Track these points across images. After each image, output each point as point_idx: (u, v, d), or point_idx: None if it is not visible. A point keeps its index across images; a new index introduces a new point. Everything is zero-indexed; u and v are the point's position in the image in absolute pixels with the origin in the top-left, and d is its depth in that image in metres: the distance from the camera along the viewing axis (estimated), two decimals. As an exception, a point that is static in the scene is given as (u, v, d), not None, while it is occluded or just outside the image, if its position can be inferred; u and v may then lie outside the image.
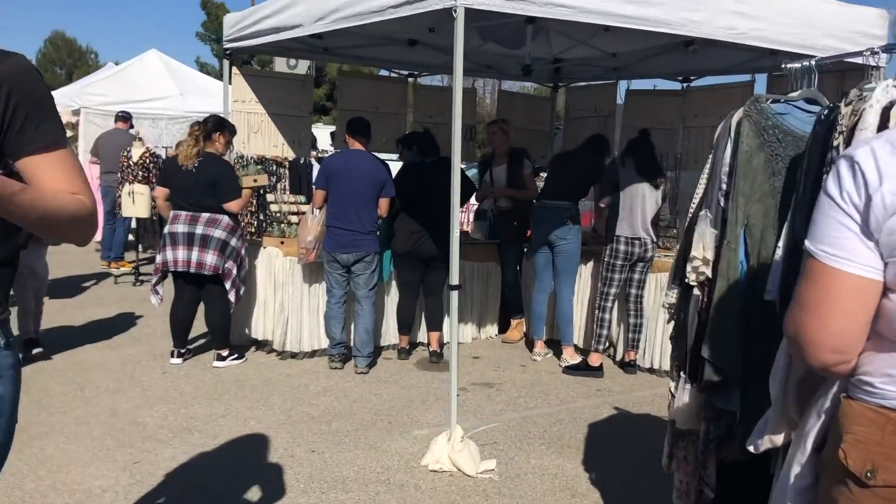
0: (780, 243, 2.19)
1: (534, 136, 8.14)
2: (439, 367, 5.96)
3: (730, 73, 6.72)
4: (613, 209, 5.80)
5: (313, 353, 6.10)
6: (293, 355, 6.03)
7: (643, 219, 5.76)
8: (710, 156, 2.61)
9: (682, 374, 2.60)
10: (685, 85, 7.16)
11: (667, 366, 5.84)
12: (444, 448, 3.97)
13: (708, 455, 2.48)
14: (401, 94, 7.53)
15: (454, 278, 3.98)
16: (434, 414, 4.88)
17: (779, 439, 1.82)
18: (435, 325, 6.16)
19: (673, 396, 2.68)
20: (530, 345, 6.66)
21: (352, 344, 5.84)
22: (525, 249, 6.89)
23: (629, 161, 5.80)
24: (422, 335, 6.47)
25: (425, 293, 6.18)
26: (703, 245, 2.38)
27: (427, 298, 6.18)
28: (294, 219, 6.46)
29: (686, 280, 2.49)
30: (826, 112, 2.13)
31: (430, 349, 6.12)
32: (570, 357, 6.11)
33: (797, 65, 2.58)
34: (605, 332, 5.89)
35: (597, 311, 5.92)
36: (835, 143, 2.02)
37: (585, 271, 6.46)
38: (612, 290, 5.86)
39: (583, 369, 5.90)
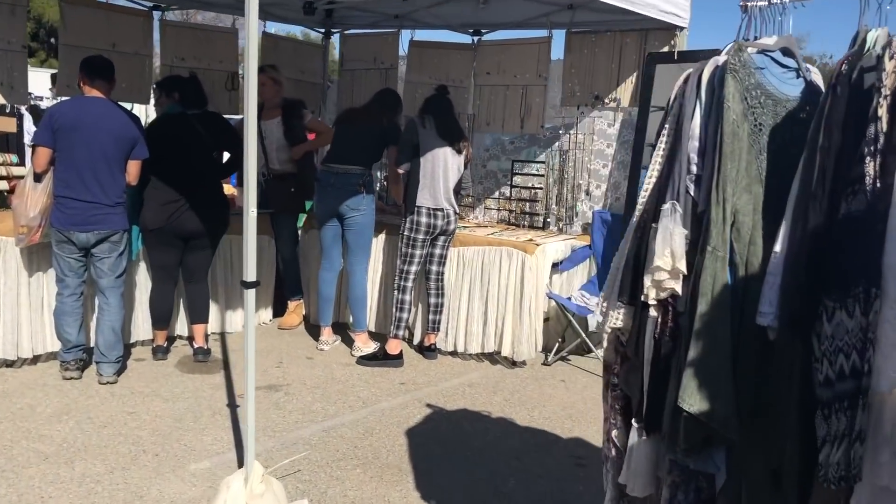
0: (777, 247, 1.58)
1: (303, 88, 7.11)
2: (208, 367, 4.90)
3: (524, 27, 6.23)
4: (413, 176, 5.07)
5: (36, 360, 4.74)
6: (8, 364, 4.62)
7: (446, 187, 5.10)
8: (666, 125, 1.92)
9: (634, 422, 1.93)
10: (476, 39, 6.57)
11: (472, 348, 5.30)
12: (240, 495, 3.03)
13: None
14: (144, 31, 6.13)
15: (250, 273, 3.00)
16: (213, 436, 3.87)
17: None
18: (199, 315, 5.05)
19: (615, 448, 2.02)
20: (312, 330, 5.80)
21: (94, 346, 4.57)
22: (304, 219, 5.98)
23: (429, 121, 5.09)
24: (181, 327, 5.34)
25: (185, 278, 5.04)
26: (672, 251, 1.72)
27: (188, 284, 5.04)
28: (4, 185, 4.95)
29: (643, 297, 1.81)
30: (847, 67, 1.52)
31: (195, 345, 5.02)
32: (364, 345, 5.34)
33: (763, 1, 1.96)
34: (405, 315, 5.18)
35: (395, 292, 5.19)
36: (879, 111, 1.42)
37: (380, 247, 5.69)
38: (413, 268, 5.16)
39: (380, 359, 5.16)
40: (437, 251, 5.27)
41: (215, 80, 6.48)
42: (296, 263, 5.94)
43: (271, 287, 6.02)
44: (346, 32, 7.31)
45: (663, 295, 1.76)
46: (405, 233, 5.13)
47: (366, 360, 5.18)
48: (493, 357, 5.33)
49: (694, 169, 1.75)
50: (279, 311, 6.07)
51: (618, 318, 2.01)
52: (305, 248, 6.02)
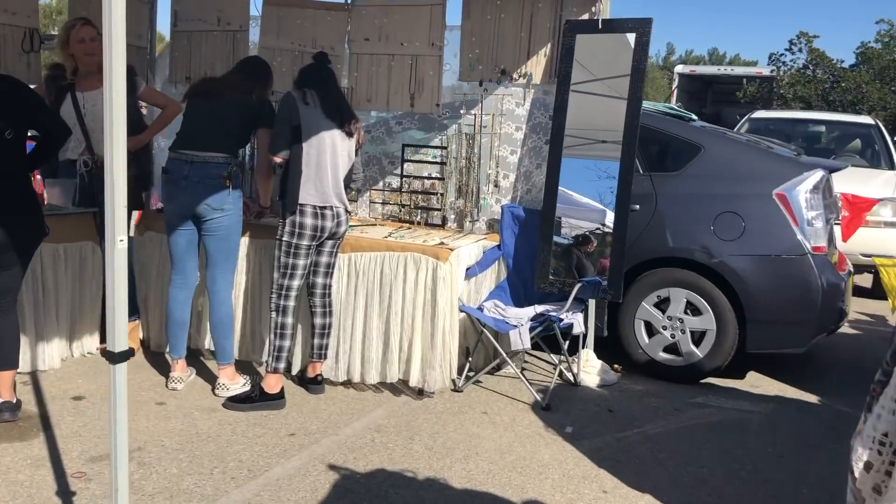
0: None
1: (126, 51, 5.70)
2: (21, 430, 3.58)
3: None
4: (294, 166, 3.98)
5: None
6: None
7: (335, 179, 4.06)
8: None
9: None
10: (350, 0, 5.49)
11: (370, 377, 4.32)
12: None
13: None
14: None
15: (118, 339, 1.87)
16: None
17: None
18: (4, 359, 3.69)
19: None
20: (155, 360, 4.56)
21: None
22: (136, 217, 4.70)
23: (312, 97, 4.01)
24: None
25: (-18, 304, 3.66)
26: None
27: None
28: None
29: None
30: None
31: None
32: (231, 381, 4.20)
33: None
34: (286, 343, 4.09)
35: (272, 315, 4.08)
36: None
37: (249, 255, 4.54)
38: (296, 282, 4.08)
39: (256, 400, 4.04)
40: (324, 259, 4.22)
41: (7, 38, 4.97)
42: (130, 275, 4.63)
43: (98, 306, 4.67)
44: (179, -15, 5.93)
45: None
46: (285, 238, 4.03)
47: (237, 402, 4.05)
48: (395, 387, 4.38)
49: None
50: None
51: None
52: (141, 255, 4.73)
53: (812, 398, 4.67)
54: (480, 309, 4.54)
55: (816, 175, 4.70)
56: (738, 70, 19.16)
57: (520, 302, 4.73)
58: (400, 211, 5.11)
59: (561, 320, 4.27)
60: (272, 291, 4.09)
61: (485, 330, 4.43)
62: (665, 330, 4.80)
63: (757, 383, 4.91)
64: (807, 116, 10.42)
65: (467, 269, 4.44)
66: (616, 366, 4.93)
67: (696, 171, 4.84)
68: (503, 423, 4.02)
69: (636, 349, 4.88)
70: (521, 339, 4.18)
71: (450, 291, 4.18)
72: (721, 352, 4.69)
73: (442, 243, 4.33)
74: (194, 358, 4.65)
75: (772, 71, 21.52)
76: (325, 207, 4.04)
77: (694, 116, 5.44)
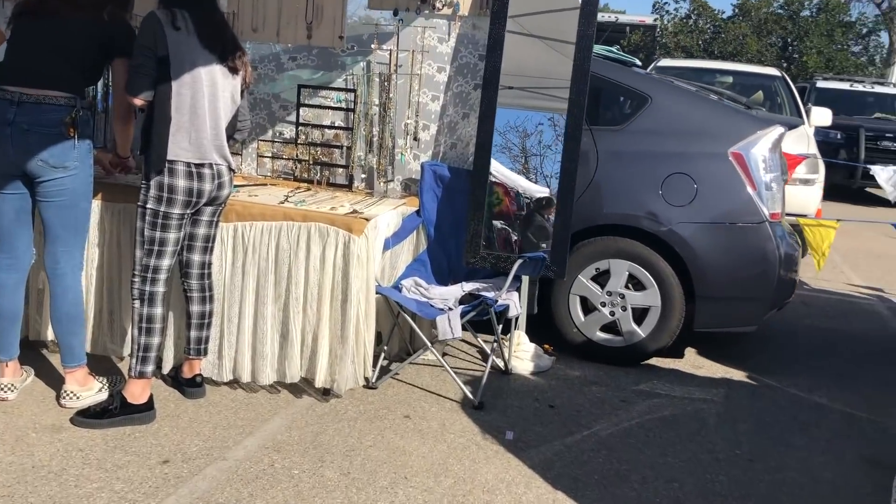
0: None
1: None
2: None
3: None
4: (161, 110, 3.03)
5: None
6: None
7: (215, 128, 3.14)
8: None
9: None
10: None
11: (263, 377, 3.50)
12: None
13: None
14: None
15: None
16: None
17: None
18: None
19: None
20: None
21: None
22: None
23: (184, 20, 3.05)
24: None
25: None
26: None
27: None
28: None
29: None
30: None
31: None
32: (82, 388, 3.27)
33: None
34: (154, 339, 3.17)
35: (135, 304, 3.16)
36: None
37: (102, 228, 3.55)
38: (165, 262, 3.16)
39: (116, 414, 3.13)
40: (202, 231, 3.32)
41: None
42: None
43: None
44: None
45: None
46: (150, 205, 3.09)
47: (90, 417, 3.13)
48: (296, 387, 3.57)
49: None
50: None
51: None
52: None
53: (761, 380, 4.23)
54: (398, 289, 3.77)
55: (775, 132, 4.18)
56: (623, 18, 18.94)
57: (443, 278, 4.00)
58: (295, 168, 4.21)
59: (495, 302, 3.57)
60: (134, 274, 3.16)
61: (402, 312, 3.68)
62: (604, 307, 4.21)
63: (698, 363, 4.43)
64: (714, 66, 10.11)
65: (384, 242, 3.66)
66: (546, 346, 4.32)
67: (643, 125, 4.21)
68: (431, 432, 3.31)
69: (570, 328, 4.28)
70: (450, 326, 3.45)
71: (365, 271, 3.38)
72: (666, 331, 4.16)
73: (354, 211, 3.51)
74: (33, 353, 3.66)
75: (655, 20, 21.46)
76: (201, 165, 3.12)
77: (637, 61, 4.79)
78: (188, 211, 3.16)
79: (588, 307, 4.25)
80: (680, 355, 4.48)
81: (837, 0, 20.17)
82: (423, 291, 3.80)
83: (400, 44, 4.04)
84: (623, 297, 4.17)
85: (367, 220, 3.40)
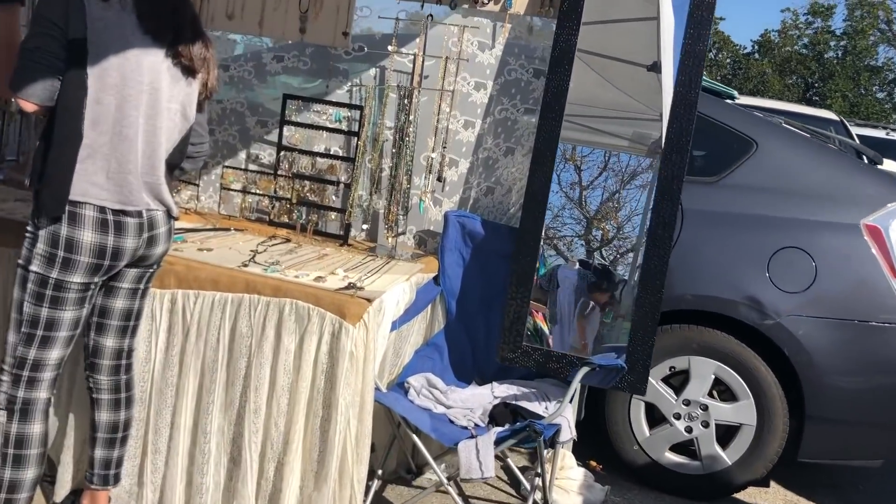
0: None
1: None
2: None
3: None
4: (67, 123, 1.94)
5: None
6: None
7: (151, 157, 2.06)
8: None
9: None
10: None
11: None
12: None
13: None
14: None
15: None
16: None
17: None
18: None
19: None
20: None
21: None
22: None
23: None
24: None
25: None
26: None
27: None
28: None
29: None
30: None
31: None
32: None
33: None
34: (28, 473, 2.03)
35: (1, 418, 2.04)
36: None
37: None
38: (54, 354, 2.05)
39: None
40: (120, 304, 2.21)
41: None
42: None
43: None
44: None
45: None
46: (34, 267, 1.99)
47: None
48: (248, 532, 2.44)
49: None
50: None
51: None
52: None
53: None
54: (405, 391, 2.66)
55: (924, 201, 3.12)
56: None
57: (465, 372, 2.90)
58: (272, 207, 3.10)
59: (545, 428, 2.47)
60: (2, 370, 2.04)
61: (404, 424, 2.57)
62: (678, 420, 3.12)
63: (791, 500, 3.35)
64: (760, 104, 9.09)
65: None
66: (593, 463, 3.23)
67: (745, 178, 3.15)
68: None
69: (630, 444, 3.19)
70: (478, 460, 2.35)
71: (360, 377, 2.27)
72: (761, 459, 3.08)
73: (350, 285, 2.39)
74: None
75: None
76: (123, 213, 2.02)
77: (735, 93, 3.74)
78: (97, 279, 2.05)
79: (656, 418, 3.17)
80: (765, 484, 3.40)
81: (865, 43, 19.35)
82: (439, 396, 2.68)
83: (427, 48, 2.94)
84: (705, 408, 3.09)
85: (369, 300, 2.29)
